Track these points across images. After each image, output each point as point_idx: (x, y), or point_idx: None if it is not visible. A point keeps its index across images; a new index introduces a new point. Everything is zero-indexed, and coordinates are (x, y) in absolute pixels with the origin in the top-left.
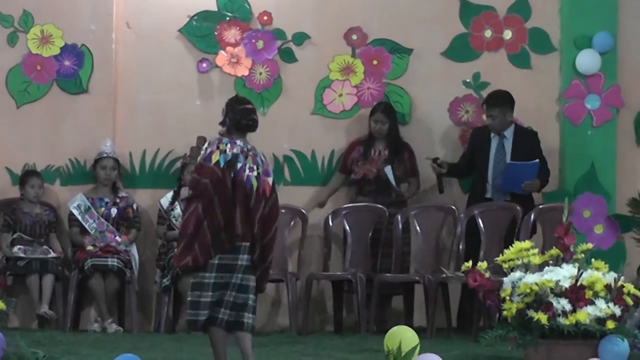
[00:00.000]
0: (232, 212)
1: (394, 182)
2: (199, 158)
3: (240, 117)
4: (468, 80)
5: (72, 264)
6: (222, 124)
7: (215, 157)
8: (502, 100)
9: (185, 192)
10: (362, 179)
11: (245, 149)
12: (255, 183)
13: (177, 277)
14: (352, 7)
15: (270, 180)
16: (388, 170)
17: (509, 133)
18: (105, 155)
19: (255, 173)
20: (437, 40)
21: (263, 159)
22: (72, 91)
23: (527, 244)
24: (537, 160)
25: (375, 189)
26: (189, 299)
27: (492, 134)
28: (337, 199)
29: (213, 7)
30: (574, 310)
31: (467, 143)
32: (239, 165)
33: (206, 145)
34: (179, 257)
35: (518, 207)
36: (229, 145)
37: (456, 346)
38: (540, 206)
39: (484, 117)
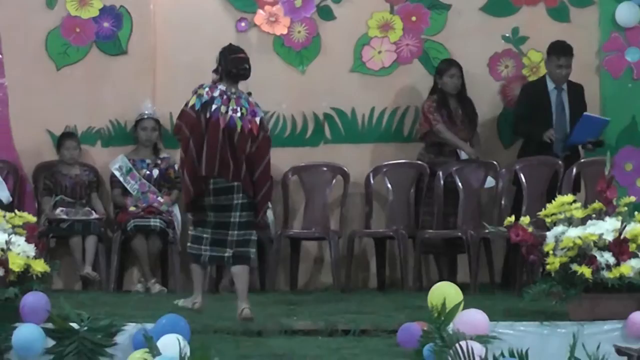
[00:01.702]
0: (200, 150)
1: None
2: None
3: (231, 66)
4: (507, 35)
5: (114, 225)
6: (215, 71)
7: (192, 101)
8: (571, 49)
9: None
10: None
11: (229, 93)
12: (239, 123)
13: None
14: None
15: (257, 119)
16: (490, 182)
17: (564, 86)
18: (145, 116)
19: (239, 114)
20: None
21: (250, 100)
22: (112, 53)
23: (569, 197)
24: (609, 118)
25: (455, 150)
26: (191, 232)
27: (550, 88)
28: (379, 156)
29: None
30: (617, 264)
31: (509, 98)
32: (214, 106)
33: (192, 93)
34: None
35: (560, 162)
36: (207, 89)
37: (499, 302)
38: (582, 160)
39: (552, 68)
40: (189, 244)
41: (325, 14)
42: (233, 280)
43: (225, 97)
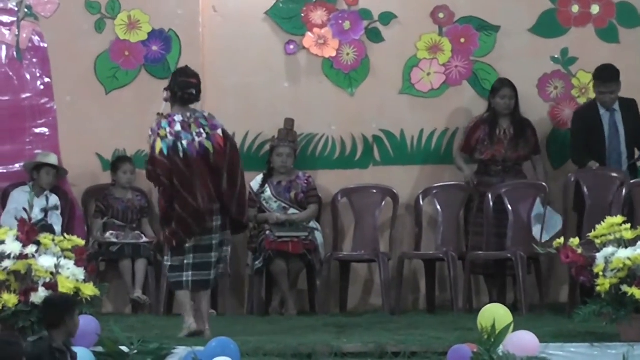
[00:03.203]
0: (193, 188)
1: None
2: (150, 143)
3: (178, 89)
4: (556, 56)
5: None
6: (165, 89)
7: (158, 147)
8: (618, 74)
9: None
10: (490, 160)
11: (186, 119)
12: (208, 144)
13: (269, 260)
14: None
15: (219, 131)
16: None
17: (616, 106)
18: None
19: (204, 135)
20: (524, 16)
21: (205, 115)
22: (161, 76)
23: (619, 219)
24: None
25: (502, 169)
26: (168, 263)
27: (601, 111)
28: (428, 177)
29: None
30: None
31: (559, 119)
32: (185, 142)
33: (150, 132)
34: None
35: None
36: (168, 128)
37: (549, 323)
38: (632, 181)
39: (597, 93)
40: (168, 274)
41: (374, 36)
42: (283, 302)
43: (186, 125)
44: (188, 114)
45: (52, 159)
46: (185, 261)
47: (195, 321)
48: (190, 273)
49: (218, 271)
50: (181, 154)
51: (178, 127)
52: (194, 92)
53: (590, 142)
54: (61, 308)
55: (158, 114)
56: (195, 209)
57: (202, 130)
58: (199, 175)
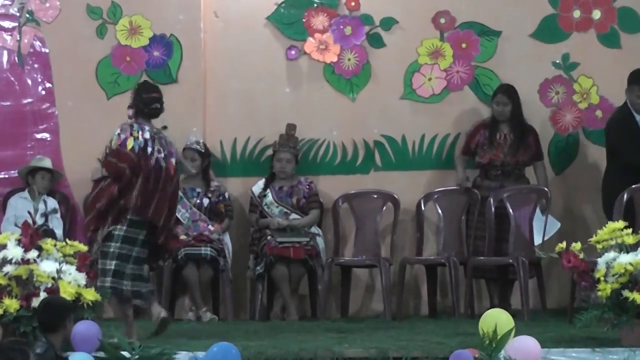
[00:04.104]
0: (147, 192)
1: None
2: (112, 142)
3: (143, 106)
4: (557, 61)
5: (165, 254)
6: (129, 107)
7: (130, 144)
8: None
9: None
10: (489, 164)
11: (153, 133)
12: (164, 164)
13: (270, 265)
14: None
15: (173, 160)
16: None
17: None
18: (185, 146)
19: (162, 155)
20: (526, 21)
21: (167, 140)
22: (162, 81)
23: (620, 224)
24: None
25: (501, 173)
26: (99, 267)
27: (637, 116)
28: (429, 183)
29: None
30: None
31: (560, 124)
32: (149, 150)
33: (118, 131)
34: (86, 227)
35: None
36: (140, 132)
37: (551, 328)
38: (634, 186)
39: (631, 97)
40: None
41: (375, 41)
42: (284, 307)
43: (152, 138)
44: (154, 130)
45: (46, 163)
46: (127, 271)
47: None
48: (129, 283)
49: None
50: (151, 161)
51: (147, 136)
52: (159, 105)
53: (623, 147)
54: (61, 311)
55: (129, 116)
56: (128, 207)
57: (162, 149)
58: (147, 184)
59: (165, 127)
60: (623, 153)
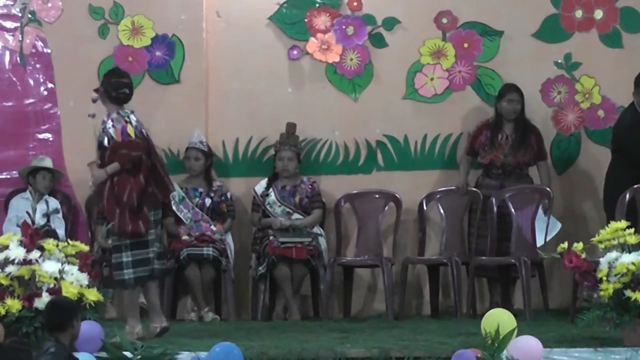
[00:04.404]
0: (157, 171)
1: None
2: (113, 134)
3: (112, 89)
4: (560, 61)
5: (168, 254)
6: (95, 90)
7: (131, 131)
8: None
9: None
10: (489, 164)
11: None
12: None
13: (272, 265)
14: None
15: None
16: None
17: None
18: (190, 145)
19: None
20: (528, 21)
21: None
22: (164, 81)
23: (622, 223)
24: None
25: (502, 172)
26: (120, 260)
27: None
28: (432, 183)
29: None
30: None
31: (562, 124)
32: (145, 131)
33: (110, 122)
34: (123, 225)
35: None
36: (132, 117)
37: (553, 328)
38: (636, 186)
39: (638, 99)
40: (131, 270)
41: (377, 41)
42: (286, 307)
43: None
44: (128, 112)
45: (47, 163)
46: (150, 255)
47: (152, 318)
48: (131, 270)
49: (162, 265)
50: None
51: (134, 118)
52: (127, 91)
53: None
54: (69, 311)
55: (92, 115)
56: (167, 189)
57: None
58: (158, 161)
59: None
60: (632, 153)
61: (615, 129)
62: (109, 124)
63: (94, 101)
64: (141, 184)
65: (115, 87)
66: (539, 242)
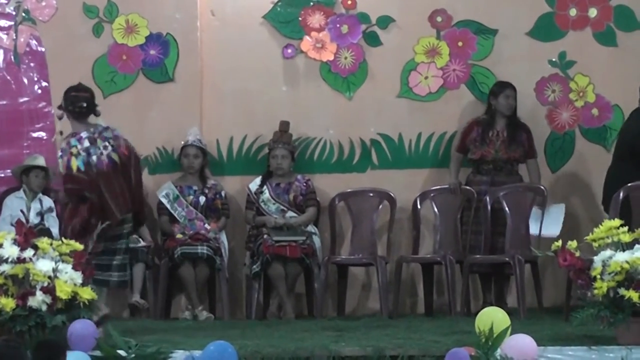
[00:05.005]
0: (115, 193)
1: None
2: (59, 164)
3: (69, 104)
4: (554, 59)
5: (162, 253)
6: (59, 107)
7: (74, 165)
8: None
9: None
10: (480, 159)
11: (92, 135)
12: (115, 156)
13: (267, 264)
14: None
15: (122, 142)
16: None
17: None
18: (188, 143)
19: (110, 148)
20: (522, 20)
21: (108, 128)
22: (158, 80)
23: (616, 222)
24: None
25: (493, 167)
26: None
27: None
28: (426, 181)
29: None
30: None
31: (556, 122)
32: (94, 156)
33: (60, 153)
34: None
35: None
36: (78, 145)
37: (547, 326)
38: (630, 184)
39: None
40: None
41: (372, 39)
42: (280, 306)
43: (92, 140)
44: (92, 130)
45: (40, 161)
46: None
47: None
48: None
49: (124, 277)
50: (94, 169)
51: (87, 143)
52: (84, 104)
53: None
54: (57, 350)
55: (60, 132)
56: (113, 217)
57: (107, 144)
58: (111, 187)
59: (61, 133)
60: None
61: (625, 134)
62: (59, 153)
63: (59, 118)
64: (84, 217)
65: (72, 101)
66: (555, 231)
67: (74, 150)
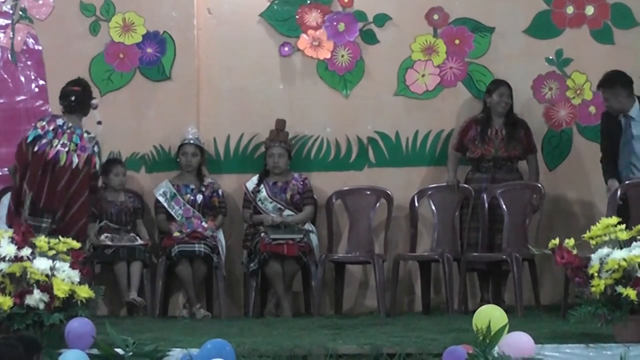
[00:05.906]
0: (38, 183)
1: None
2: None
3: (61, 96)
4: (551, 57)
5: (159, 251)
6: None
7: (30, 136)
8: (609, 82)
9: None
10: (480, 158)
11: (64, 127)
12: (63, 157)
13: (264, 262)
14: None
15: (84, 155)
16: None
17: (634, 112)
18: (186, 141)
19: (66, 148)
20: (519, 17)
21: (84, 136)
22: (155, 78)
23: (613, 219)
24: None
25: (493, 165)
26: None
27: (619, 115)
28: (423, 179)
29: None
30: None
31: (553, 120)
32: (44, 140)
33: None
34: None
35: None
36: (45, 123)
37: (545, 324)
38: (627, 182)
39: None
40: None
41: (369, 37)
42: (278, 304)
43: (59, 131)
44: (70, 124)
45: None
46: None
47: None
48: None
49: None
50: (36, 147)
51: (51, 127)
52: (72, 99)
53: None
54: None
55: (98, 122)
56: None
57: (67, 143)
58: (35, 173)
59: (98, 122)
60: (601, 155)
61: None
62: (93, 145)
63: (94, 108)
64: (17, 189)
65: (63, 94)
66: None
67: (38, 124)
